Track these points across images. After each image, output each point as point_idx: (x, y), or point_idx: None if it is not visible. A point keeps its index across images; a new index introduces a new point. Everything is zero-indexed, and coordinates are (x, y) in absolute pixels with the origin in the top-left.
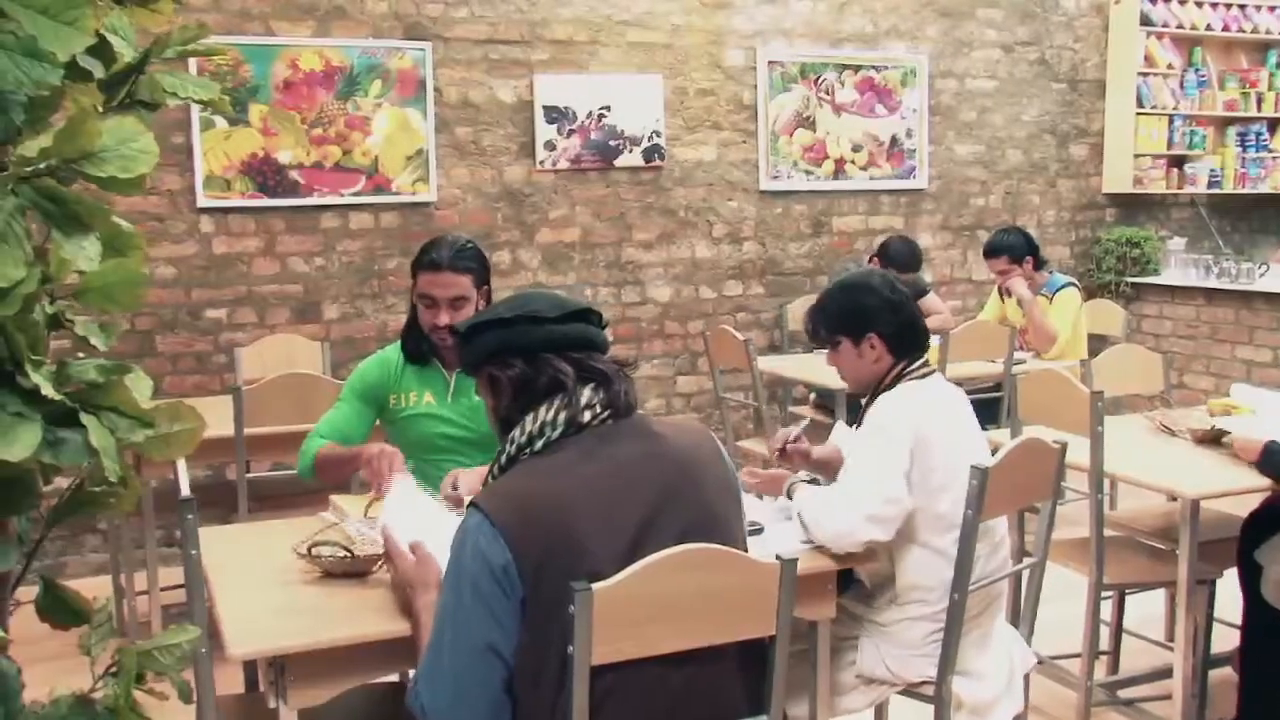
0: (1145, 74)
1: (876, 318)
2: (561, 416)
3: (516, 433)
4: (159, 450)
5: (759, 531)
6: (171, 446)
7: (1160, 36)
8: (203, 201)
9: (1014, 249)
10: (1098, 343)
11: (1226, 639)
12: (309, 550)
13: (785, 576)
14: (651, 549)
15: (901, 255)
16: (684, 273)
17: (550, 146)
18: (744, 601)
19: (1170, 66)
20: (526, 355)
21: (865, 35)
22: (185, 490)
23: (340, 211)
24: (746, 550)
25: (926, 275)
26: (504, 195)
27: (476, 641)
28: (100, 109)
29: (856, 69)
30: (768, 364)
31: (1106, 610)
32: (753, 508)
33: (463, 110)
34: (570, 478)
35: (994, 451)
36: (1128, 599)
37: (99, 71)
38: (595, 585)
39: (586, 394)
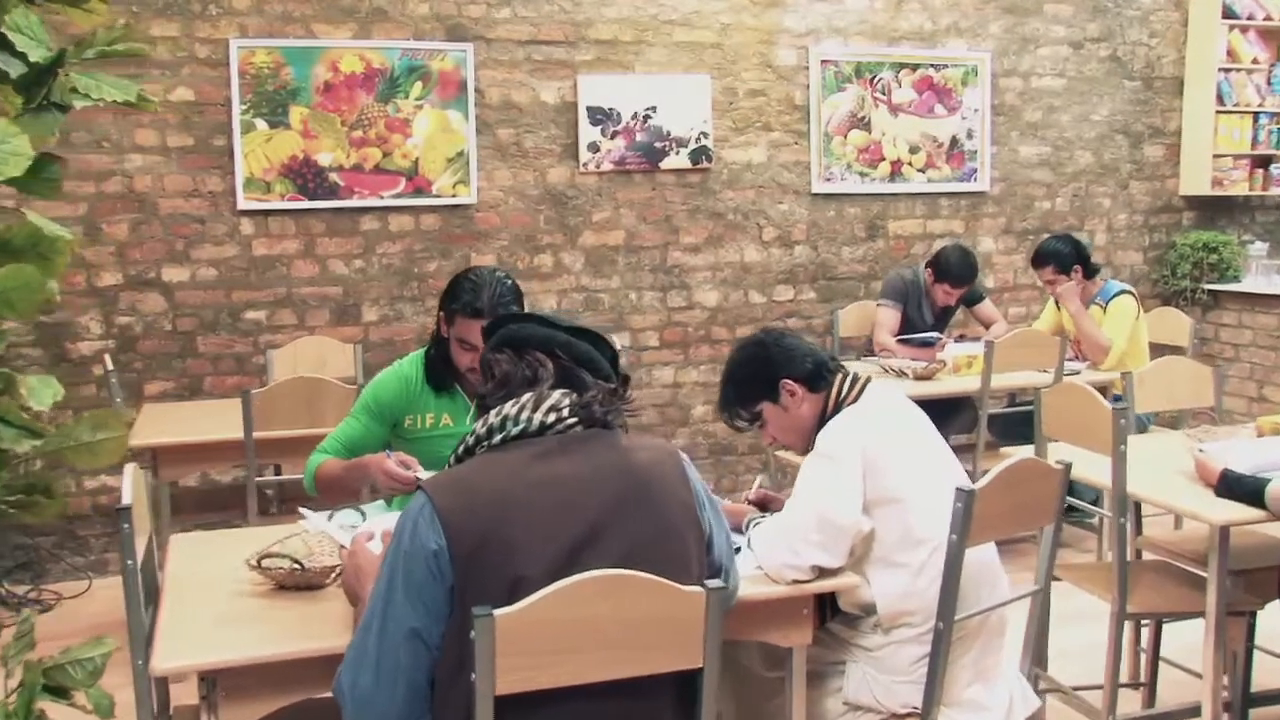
0: (1227, 70)
1: (778, 365)
2: (525, 414)
3: (479, 424)
4: (84, 459)
5: (736, 551)
6: (97, 455)
7: (1244, 30)
8: (243, 204)
9: (1061, 257)
10: (1170, 354)
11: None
12: (258, 562)
13: (711, 605)
14: (588, 564)
15: (955, 268)
16: (732, 276)
17: (594, 148)
18: (669, 631)
19: (1255, 61)
20: (518, 348)
21: (924, 33)
22: (126, 498)
23: (380, 214)
24: (704, 575)
25: (988, 281)
26: (546, 197)
27: (403, 626)
28: (19, 110)
29: (914, 68)
30: None
31: (1147, 637)
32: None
33: (504, 112)
34: (517, 478)
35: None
36: (1179, 627)
37: (15, 70)
38: (497, 611)
39: (555, 396)
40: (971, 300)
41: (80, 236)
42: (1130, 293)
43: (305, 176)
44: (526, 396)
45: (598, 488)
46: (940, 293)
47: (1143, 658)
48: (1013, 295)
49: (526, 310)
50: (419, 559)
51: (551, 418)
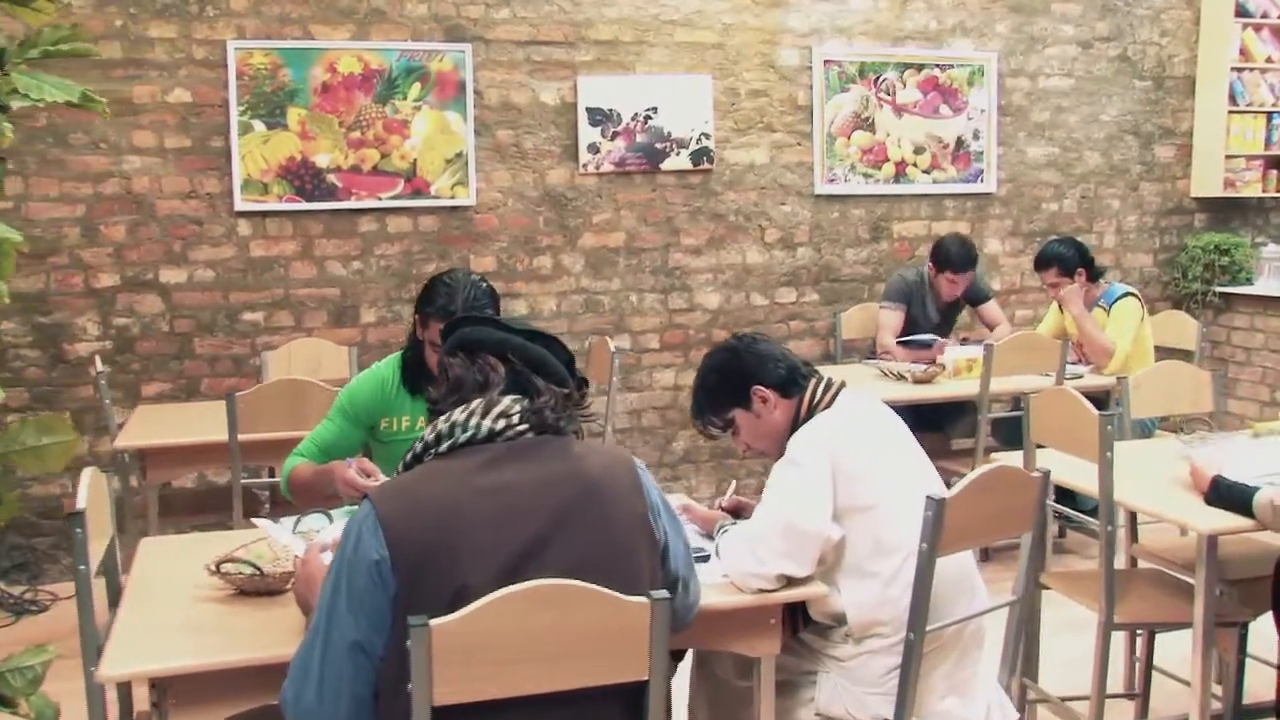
0: (1240, 69)
1: (749, 372)
2: (474, 420)
3: (428, 431)
4: (31, 464)
5: (705, 559)
6: (44, 459)
7: (1258, 28)
8: (240, 205)
9: (1065, 260)
10: (1179, 358)
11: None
12: (217, 567)
13: (657, 617)
14: (534, 574)
15: (955, 256)
16: (734, 279)
17: (594, 149)
18: (614, 643)
19: (1270, 60)
20: (471, 352)
21: (929, 33)
22: (81, 503)
23: (378, 215)
24: (657, 585)
25: (994, 284)
26: (546, 199)
27: (346, 637)
28: None
29: (919, 68)
30: None
31: (1142, 647)
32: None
33: (503, 113)
34: (463, 486)
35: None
36: (1175, 637)
37: None
38: (434, 621)
39: (506, 402)
40: (977, 300)
41: (78, 238)
42: (1134, 295)
43: (303, 178)
44: (476, 402)
45: (546, 495)
46: (944, 283)
47: (1137, 667)
48: (1019, 298)
49: (525, 316)
50: (361, 568)
51: (501, 424)
